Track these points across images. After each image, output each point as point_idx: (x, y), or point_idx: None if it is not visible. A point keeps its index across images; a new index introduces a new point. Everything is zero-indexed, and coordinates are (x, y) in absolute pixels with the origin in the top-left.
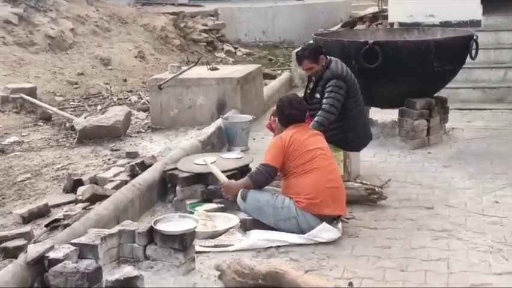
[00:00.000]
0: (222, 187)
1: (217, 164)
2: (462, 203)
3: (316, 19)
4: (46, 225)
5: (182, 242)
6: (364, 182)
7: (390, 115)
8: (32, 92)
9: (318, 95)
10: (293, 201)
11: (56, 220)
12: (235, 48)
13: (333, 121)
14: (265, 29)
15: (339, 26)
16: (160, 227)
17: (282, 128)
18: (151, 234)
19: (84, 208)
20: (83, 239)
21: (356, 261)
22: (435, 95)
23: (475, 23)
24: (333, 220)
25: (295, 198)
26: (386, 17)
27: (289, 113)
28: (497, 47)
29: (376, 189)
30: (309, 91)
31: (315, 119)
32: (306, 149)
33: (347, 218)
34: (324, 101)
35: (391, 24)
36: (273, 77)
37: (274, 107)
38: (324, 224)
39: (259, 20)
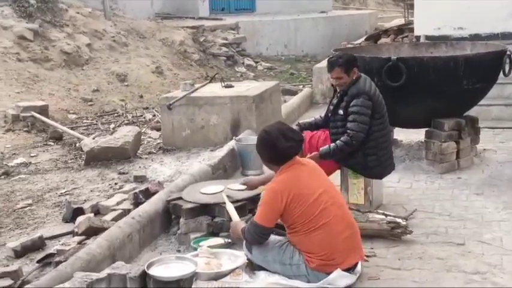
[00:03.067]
0: (230, 227)
1: (225, 193)
2: (497, 238)
3: (340, 31)
4: (38, 261)
5: None
6: (386, 213)
7: (416, 135)
8: (43, 110)
9: (341, 112)
10: (303, 258)
11: (49, 255)
12: (256, 62)
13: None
14: (287, 42)
15: (362, 39)
16: (154, 271)
17: (270, 167)
18: (145, 279)
19: (79, 242)
20: (66, 286)
21: None
22: (465, 114)
23: (507, 36)
24: (349, 270)
25: (306, 256)
26: (412, 30)
27: (284, 147)
28: None
29: (401, 223)
30: (332, 107)
31: (341, 138)
32: (309, 202)
33: (367, 256)
34: (351, 118)
35: (417, 38)
36: (294, 93)
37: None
38: (339, 270)
39: (281, 33)
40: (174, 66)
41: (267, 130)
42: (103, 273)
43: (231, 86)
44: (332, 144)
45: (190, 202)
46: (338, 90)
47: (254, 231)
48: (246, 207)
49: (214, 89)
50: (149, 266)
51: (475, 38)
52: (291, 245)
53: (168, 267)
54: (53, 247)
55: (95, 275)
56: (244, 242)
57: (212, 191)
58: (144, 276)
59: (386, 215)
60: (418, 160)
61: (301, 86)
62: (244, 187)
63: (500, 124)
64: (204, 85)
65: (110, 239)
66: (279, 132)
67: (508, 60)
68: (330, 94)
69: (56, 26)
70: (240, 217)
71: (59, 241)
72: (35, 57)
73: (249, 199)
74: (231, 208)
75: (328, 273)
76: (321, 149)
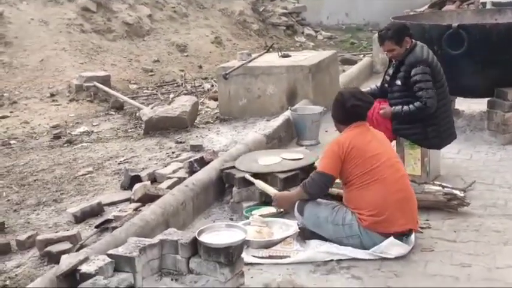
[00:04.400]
0: (274, 199)
1: (280, 164)
2: None
3: None
4: (96, 226)
5: (228, 256)
6: (443, 184)
7: (479, 104)
8: (105, 80)
9: (399, 82)
10: (355, 217)
11: (106, 221)
12: (316, 31)
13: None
14: (348, 11)
15: (426, 6)
16: (204, 238)
17: (340, 127)
18: (196, 246)
19: (135, 209)
20: (120, 250)
21: (428, 282)
22: None
23: None
24: (402, 236)
25: (358, 215)
26: None
27: (353, 105)
28: None
29: (457, 195)
30: (388, 77)
31: (415, 103)
32: (367, 156)
33: (421, 228)
34: (416, 88)
35: (483, 4)
36: (354, 63)
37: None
38: (392, 238)
39: (343, 2)
40: (233, 37)
41: (341, 92)
42: (155, 239)
43: (288, 56)
44: (405, 107)
45: (243, 171)
46: (394, 60)
47: (319, 179)
48: (299, 176)
49: (271, 59)
50: (200, 233)
51: None
52: (344, 206)
53: (218, 235)
54: (110, 213)
55: (147, 241)
56: (296, 205)
57: (266, 162)
58: (195, 242)
59: (443, 187)
60: (479, 131)
61: (362, 55)
62: (300, 156)
63: None
64: (261, 55)
65: (164, 206)
66: (351, 94)
67: None
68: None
69: None
70: (289, 187)
71: (117, 207)
72: (98, 28)
73: (302, 169)
74: (262, 184)
75: (381, 234)
76: (394, 107)
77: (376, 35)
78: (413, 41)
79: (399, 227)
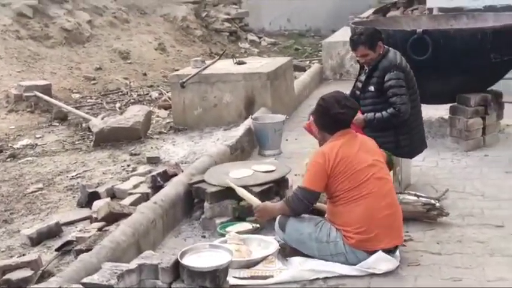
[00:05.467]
0: (256, 211)
1: (253, 177)
2: None
3: (344, 5)
4: (57, 249)
5: (214, 280)
6: (418, 194)
7: (435, 110)
8: (46, 89)
9: (372, 88)
10: (340, 234)
11: (67, 243)
12: (260, 37)
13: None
14: (290, 17)
15: (370, 12)
16: (187, 260)
17: (324, 135)
18: (177, 270)
19: (99, 229)
20: (95, 278)
21: None
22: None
23: None
24: (389, 252)
25: (343, 232)
26: (422, 2)
27: (337, 113)
28: None
29: (436, 205)
30: (360, 84)
31: (388, 110)
32: (355, 170)
33: (404, 240)
34: (390, 93)
35: (430, 10)
36: (302, 69)
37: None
38: (380, 253)
39: (284, 7)
40: (177, 43)
41: (323, 97)
42: (133, 264)
43: (243, 63)
44: (378, 114)
45: (214, 185)
46: (366, 66)
47: (303, 196)
48: (273, 189)
49: (226, 66)
50: (182, 255)
51: (490, 9)
52: (328, 222)
53: (201, 257)
54: (70, 234)
55: (124, 266)
56: (277, 220)
57: (238, 175)
58: (176, 266)
59: (418, 196)
60: (441, 137)
61: (308, 61)
62: (272, 168)
63: None
64: (215, 61)
65: (134, 225)
66: (334, 99)
67: None
68: (339, 70)
69: (55, 2)
70: (265, 200)
71: (76, 227)
72: (35, 34)
73: (276, 181)
74: (245, 192)
75: (368, 252)
76: (366, 114)
77: (325, 41)
78: (385, 46)
79: (386, 244)
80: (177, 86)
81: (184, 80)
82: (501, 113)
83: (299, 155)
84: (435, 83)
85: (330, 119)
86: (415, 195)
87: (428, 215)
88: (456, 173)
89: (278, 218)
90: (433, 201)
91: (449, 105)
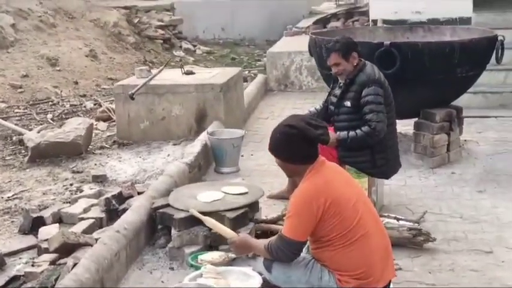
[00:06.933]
0: (233, 246)
1: (224, 201)
2: None
3: (278, 15)
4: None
5: None
6: (398, 217)
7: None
8: None
9: (348, 103)
10: (334, 278)
11: (14, 278)
12: (194, 46)
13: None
14: (224, 26)
15: (306, 22)
16: None
17: (296, 168)
18: None
19: (52, 262)
20: None
21: None
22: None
23: (465, 21)
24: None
25: (337, 275)
26: (362, 13)
27: (318, 135)
28: None
29: (422, 229)
30: (335, 98)
31: (362, 128)
32: (347, 211)
33: None
34: (367, 109)
35: (374, 22)
36: (244, 80)
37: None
38: None
39: (218, 16)
40: (109, 50)
41: (290, 124)
42: None
43: (192, 73)
44: (351, 132)
45: (182, 211)
46: (341, 79)
47: (287, 248)
48: (248, 215)
49: (174, 76)
50: None
51: (433, 22)
52: (318, 263)
53: None
54: (15, 267)
55: None
56: (262, 260)
57: (207, 198)
58: None
59: (398, 219)
60: (404, 153)
61: (247, 71)
62: (244, 190)
63: (470, 113)
64: (160, 71)
65: (98, 260)
66: (304, 122)
67: (500, 47)
68: (284, 81)
69: None
70: (239, 228)
71: (20, 258)
72: None
73: (251, 206)
74: (215, 223)
75: None
76: (339, 133)
77: (269, 50)
78: (362, 59)
79: (384, 283)
80: (121, 97)
81: (133, 92)
82: (461, 129)
83: (259, 173)
84: (400, 98)
85: (310, 144)
86: (395, 218)
87: (415, 241)
88: (427, 192)
89: (263, 259)
90: (418, 226)
91: (410, 120)
